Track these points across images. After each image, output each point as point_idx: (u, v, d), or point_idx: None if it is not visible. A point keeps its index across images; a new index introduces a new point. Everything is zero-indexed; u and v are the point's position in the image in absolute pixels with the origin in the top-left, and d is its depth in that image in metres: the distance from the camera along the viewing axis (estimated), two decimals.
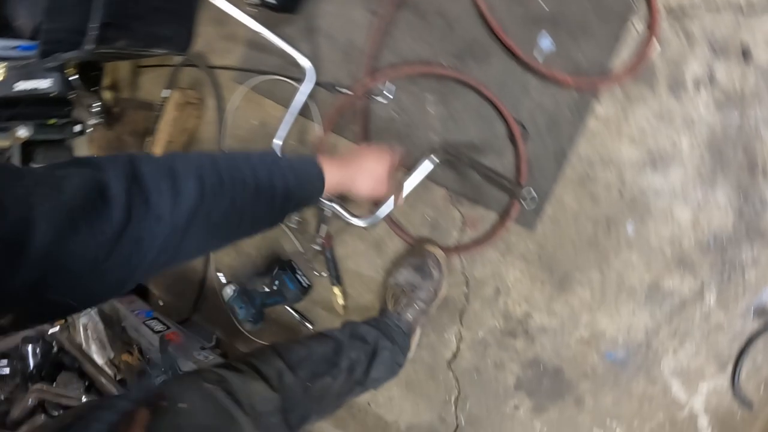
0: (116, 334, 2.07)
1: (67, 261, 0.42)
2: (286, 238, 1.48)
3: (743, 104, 1.04)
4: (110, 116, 1.95)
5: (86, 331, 2.24)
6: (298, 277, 1.38)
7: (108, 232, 0.45)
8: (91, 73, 1.93)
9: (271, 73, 1.38)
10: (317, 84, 1.28)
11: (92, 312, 2.18)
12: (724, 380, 1.15)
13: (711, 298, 1.12)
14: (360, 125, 1.28)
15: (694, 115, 1.03)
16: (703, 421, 1.19)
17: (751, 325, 1.13)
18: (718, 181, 1.07)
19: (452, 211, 1.23)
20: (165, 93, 1.68)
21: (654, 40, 1.01)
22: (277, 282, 1.36)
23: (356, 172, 0.88)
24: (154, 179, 0.50)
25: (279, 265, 1.39)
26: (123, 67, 1.93)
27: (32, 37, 1.80)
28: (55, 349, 1.88)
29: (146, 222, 0.48)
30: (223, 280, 1.39)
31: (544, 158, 1.11)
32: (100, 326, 2.16)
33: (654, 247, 1.10)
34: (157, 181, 0.50)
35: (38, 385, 1.58)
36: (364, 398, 1.47)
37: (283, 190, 0.67)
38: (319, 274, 1.39)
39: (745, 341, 1.13)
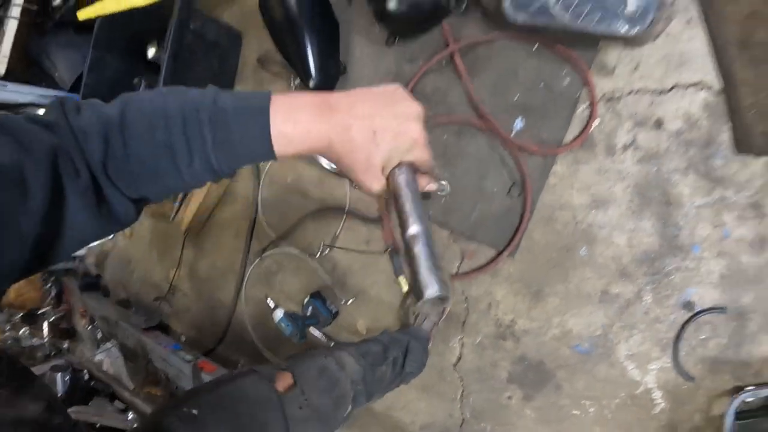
0: (140, 366, 2.31)
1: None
2: (315, 274, 1.82)
3: (659, 159, 1.49)
4: None
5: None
6: (327, 305, 1.73)
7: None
8: None
9: None
10: None
11: (112, 348, 2.41)
12: (668, 360, 1.58)
13: (648, 298, 1.55)
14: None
15: (624, 169, 1.47)
16: (657, 395, 1.60)
17: (682, 316, 1.57)
18: (644, 214, 1.51)
19: (454, 246, 1.63)
20: None
21: (594, 118, 1.45)
22: (310, 307, 1.71)
23: (349, 124, 0.55)
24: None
25: (311, 294, 1.73)
26: None
27: (72, 89, 2.08)
28: (86, 376, 2.07)
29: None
30: (272, 304, 1.72)
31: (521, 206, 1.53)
32: (120, 361, 2.39)
33: (601, 264, 1.53)
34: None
35: (75, 408, 1.78)
36: (384, 404, 1.82)
37: (201, 145, 0.53)
38: (345, 302, 1.74)
39: (679, 329, 1.56)
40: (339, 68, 1.68)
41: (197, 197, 1.97)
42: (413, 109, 0.58)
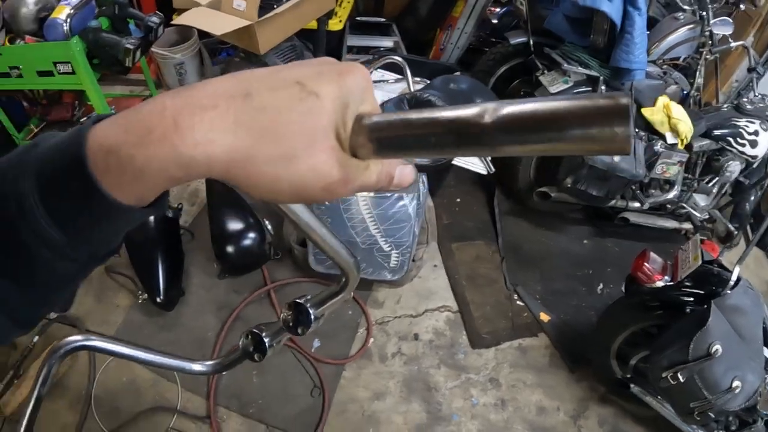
0: None
1: None
2: None
3: (418, 360, 2.23)
4: None
5: None
6: None
7: None
8: None
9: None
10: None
11: None
12: None
13: None
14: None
15: (394, 370, 2.17)
16: None
17: None
18: (412, 399, 2.19)
19: None
20: (35, 339, 2.28)
21: (370, 337, 2.16)
22: None
23: (246, 89, 0.31)
24: None
25: None
26: None
27: None
28: None
29: None
30: None
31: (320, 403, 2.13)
32: None
33: None
34: None
35: None
36: None
37: None
38: None
39: None
40: (179, 291, 2.21)
41: (28, 382, 2.16)
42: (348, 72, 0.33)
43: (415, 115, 0.33)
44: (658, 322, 1.97)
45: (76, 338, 0.93)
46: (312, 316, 0.75)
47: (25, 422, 0.87)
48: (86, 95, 2.44)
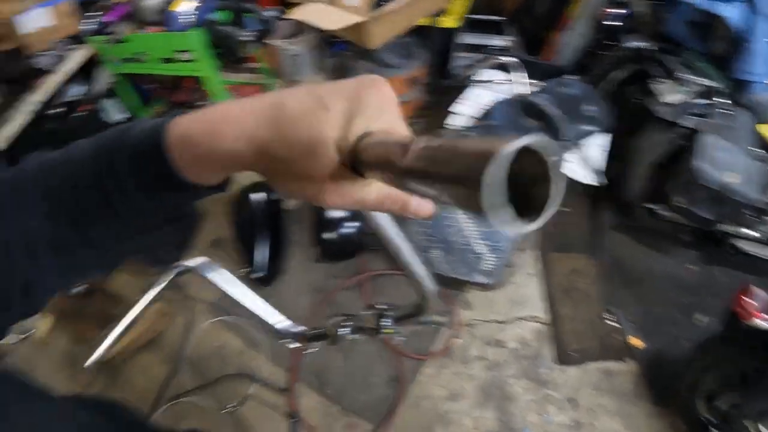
0: None
1: None
2: (219, 428, 2.33)
3: (500, 367, 2.21)
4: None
5: None
6: None
7: None
8: None
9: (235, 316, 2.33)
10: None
11: None
12: None
13: None
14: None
15: (474, 373, 2.17)
16: None
17: None
18: (487, 405, 2.18)
19: (343, 419, 2.19)
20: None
21: (456, 337, 2.17)
22: None
23: (281, 101, 0.39)
24: None
25: None
26: None
27: None
28: None
29: None
30: None
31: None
32: None
33: None
34: None
35: None
36: None
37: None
38: None
39: None
40: (279, 269, 2.35)
41: (132, 332, 2.40)
42: (378, 85, 0.38)
43: (383, 139, 0.35)
44: (755, 365, 1.81)
45: (198, 260, 1.07)
46: (387, 327, 0.82)
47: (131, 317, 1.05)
48: (204, 80, 2.63)
